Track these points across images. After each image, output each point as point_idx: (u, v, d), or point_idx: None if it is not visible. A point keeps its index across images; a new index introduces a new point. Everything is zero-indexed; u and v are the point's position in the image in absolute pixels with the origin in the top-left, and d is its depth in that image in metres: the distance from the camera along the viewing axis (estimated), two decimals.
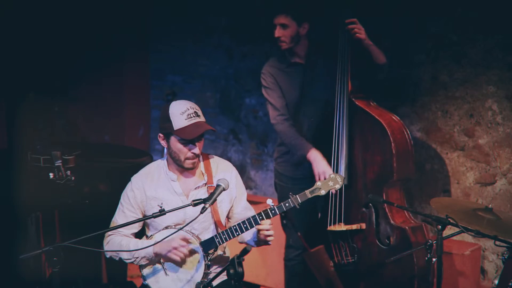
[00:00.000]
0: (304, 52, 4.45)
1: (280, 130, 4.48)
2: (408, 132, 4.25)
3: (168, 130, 3.52)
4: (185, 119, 3.48)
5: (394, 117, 4.28)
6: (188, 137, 3.48)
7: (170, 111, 3.50)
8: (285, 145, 4.54)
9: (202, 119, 3.54)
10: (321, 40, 4.52)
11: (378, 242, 4.20)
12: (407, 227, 4.13)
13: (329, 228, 4.28)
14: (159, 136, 3.60)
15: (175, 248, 3.49)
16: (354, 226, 4.25)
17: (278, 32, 4.38)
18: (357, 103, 4.27)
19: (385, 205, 4.17)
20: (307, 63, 4.46)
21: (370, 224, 4.22)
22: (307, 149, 4.32)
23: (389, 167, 4.15)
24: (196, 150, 3.53)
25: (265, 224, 3.44)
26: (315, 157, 4.29)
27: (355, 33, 4.14)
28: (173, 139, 3.52)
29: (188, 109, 3.50)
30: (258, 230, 3.48)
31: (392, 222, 4.16)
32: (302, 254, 4.48)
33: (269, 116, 4.58)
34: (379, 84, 4.50)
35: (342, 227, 4.25)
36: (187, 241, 3.52)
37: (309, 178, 4.31)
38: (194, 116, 3.50)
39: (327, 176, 4.20)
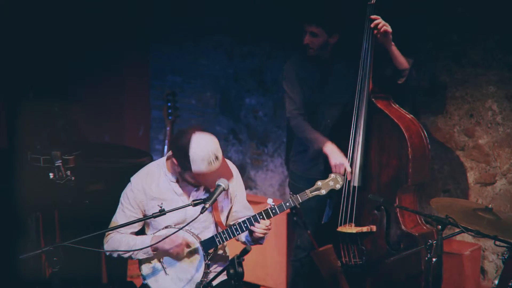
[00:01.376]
0: (328, 53, 4.43)
1: (294, 124, 4.43)
2: (426, 136, 4.20)
3: (185, 167, 3.45)
4: (206, 166, 3.40)
5: (413, 119, 4.23)
6: (205, 182, 3.50)
7: (190, 153, 3.39)
8: (299, 139, 4.50)
9: (220, 160, 3.45)
10: (345, 40, 4.48)
11: (387, 246, 4.17)
12: (417, 234, 4.09)
13: (339, 228, 4.23)
14: (173, 160, 3.51)
15: (174, 243, 3.49)
16: (365, 229, 4.20)
17: (307, 39, 4.34)
18: (377, 103, 4.20)
19: (397, 209, 4.13)
20: (330, 62, 4.43)
21: (380, 227, 4.18)
22: (323, 142, 4.26)
23: (404, 172, 4.10)
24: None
25: (263, 225, 3.43)
26: (332, 149, 4.23)
27: (382, 26, 4.07)
28: (188, 173, 3.48)
29: (210, 155, 3.40)
30: (251, 231, 3.47)
31: (403, 227, 4.12)
32: (309, 254, 4.45)
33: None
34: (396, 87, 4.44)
35: (352, 228, 4.20)
36: (187, 241, 3.53)
37: (321, 178, 4.29)
38: (214, 162, 3.41)
39: (342, 169, 4.17)
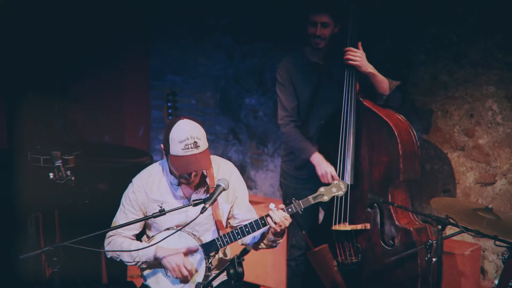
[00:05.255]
0: (324, 52, 4.44)
1: (285, 132, 4.48)
2: (414, 133, 4.23)
3: (166, 149, 3.44)
4: (182, 149, 3.35)
5: (400, 118, 4.25)
6: (177, 171, 3.41)
7: (171, 134, 3.38)
8: (289, 146, 4.55)
9: (200, 149, 3.37)
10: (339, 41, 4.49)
11: (382, 243, 4.19)
12: (411, 228, 4.12)
13: (333, 227, 4.27)
14: (162, 145, 3.51)
15: (178, 266, 3.47)
16: (359, 226, 4.23)
17: (319, 31, 4.31)
18: (364, 103, 4.25)
19: (390, 205, 4.15)
20: (325, 63, 4.43)
21: (374, 225, 4.21)
22: (310, 152, 4.32)
23: (395, 168, 4.13)
24: (188, 181, 3.47)
25: (279, 214, 3.32)
26: (318, 159, 4.29)
27: (349, 59, 4.16)
28: (169, 159, 3.45)
29: (188, 139, 3.35)
30: (263, 233, 3.45)
31: (397, 223, 4.15)
32: (305, 253, 4.46)
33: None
34: None
35: (346, 226, 4.24)
36: (191, 252, 3.50)
37: (313, 178, 4.30)
38: (191, 148, 3.35)
39: (329, 177, 4.21)
